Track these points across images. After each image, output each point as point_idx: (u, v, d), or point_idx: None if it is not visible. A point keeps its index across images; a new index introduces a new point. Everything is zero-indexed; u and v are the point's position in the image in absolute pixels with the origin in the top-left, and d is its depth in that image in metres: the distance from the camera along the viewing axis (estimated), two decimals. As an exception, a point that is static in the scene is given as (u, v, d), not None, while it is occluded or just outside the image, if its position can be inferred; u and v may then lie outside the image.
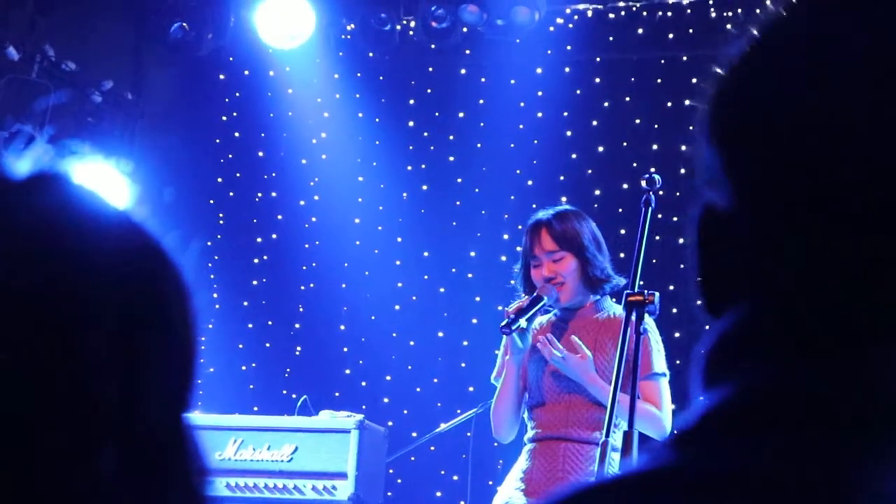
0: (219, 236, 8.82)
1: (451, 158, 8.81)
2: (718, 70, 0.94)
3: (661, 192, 4.59)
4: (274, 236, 9.05)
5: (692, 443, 0.85)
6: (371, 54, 8.86)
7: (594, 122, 8.55)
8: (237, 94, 9.14)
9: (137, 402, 0.90)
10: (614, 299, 5.03)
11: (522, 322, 4.83)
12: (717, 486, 0.81)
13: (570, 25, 8.56)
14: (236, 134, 9.17)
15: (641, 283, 4.34)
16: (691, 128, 8.18)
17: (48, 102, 7.83)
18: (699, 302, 0.95)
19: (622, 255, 5.11)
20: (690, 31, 8.32)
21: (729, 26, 8.21)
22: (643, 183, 4.49)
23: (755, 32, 0.91)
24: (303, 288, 8.91)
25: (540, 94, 8.60)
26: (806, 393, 0.83)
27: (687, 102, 8.28)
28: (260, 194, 9.10)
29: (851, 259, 0.84)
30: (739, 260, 0.89)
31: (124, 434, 0.89)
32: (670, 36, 8.38)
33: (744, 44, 0.91)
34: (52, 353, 0.86)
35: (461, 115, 8.79)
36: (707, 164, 0.93)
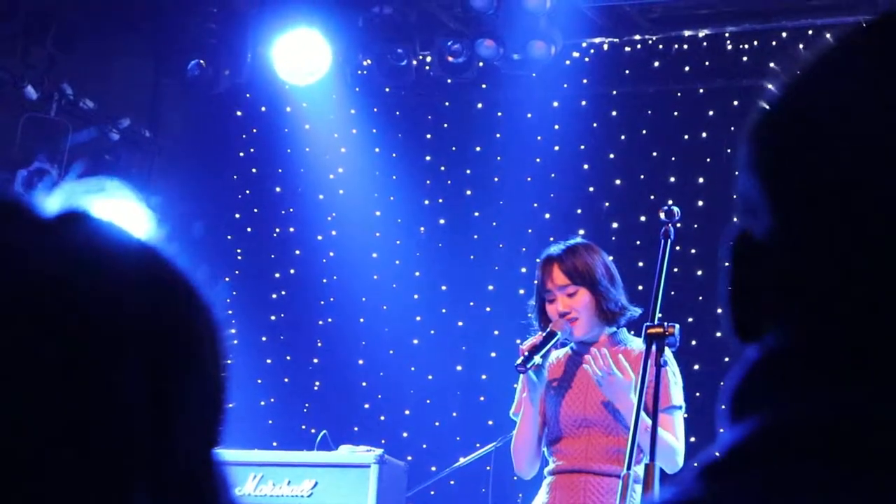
0: (237, 272, 8.84)
1: (469, 192, 8.82)
2: (764, 100, 0.94)
3: (678, 225, 4.59)
4: (292, 271, 9.06)
5: (721, 476, 0.84)
6: (387, 89, 8.88)
7: (611, 156, 8.55)
8: (254, 131, 9.17)
9: (168, 439, 0.90)
10: (632, 332, 5.02)
11: (537, 359, 4.83)
12: None
13: (587, 59, 8.58)
14: (253, 170, 9.20)
15: (660, 315, 4.34)
16: (708, 160, 8.21)
17: (67, 141, 7.87)
18: (724, 331, 0.94)
19: (640, 287, 5.11)
20: (707, 63, 8.32)
21: (745, 59, 8.22)
22: (662, 215, 4.49)
23: (803, 64, 0.92)
24: (321, 323, 8.92)
25: (556, 127, 8.61)
26: (841, 427, 0.82)
27: (704, 135, 8.28)
28: (278, 230, 9.11)
29: (890, 291, 0.83)
30: (774, 287, 0.89)
31: (156, 472, 0.89)
32: (686, 69, 8.39)
33: (792, 74, 0.92)
34: (83, 391, 0.86)
35: (478, 149, 8.81)
36: (746, 191, 0.93)
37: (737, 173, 0.95)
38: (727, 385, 0.90)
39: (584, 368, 4.82)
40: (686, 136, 8.34)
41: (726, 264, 0.94)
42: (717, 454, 0.85)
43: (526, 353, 4.81)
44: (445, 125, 8.94)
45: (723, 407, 0.89)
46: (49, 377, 0.86)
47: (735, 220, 0.96)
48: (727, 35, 8.26)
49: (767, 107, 0.92)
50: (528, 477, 5.07)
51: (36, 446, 0.85)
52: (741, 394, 0.89)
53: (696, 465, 0.86)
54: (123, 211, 1.00)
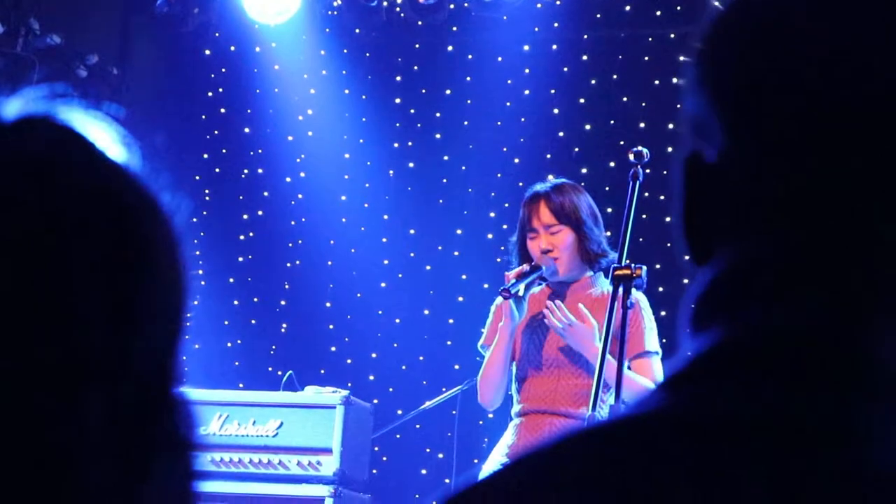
0: (204, 212, 8.79)
1: (438, 136, 8.79)
2: (715, 14, 0.93)
3: (647, 170, 4.59)
4: (260, 213, 9.03)
5: (683, 386, 0.84)
6: (358, 31, 8.83)
7: (581, 100, 8.53)
8: (223, 70, 9.10)
9: (124, 345, 0.88)
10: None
11: (521, 287, 4.82)
12: (709, 428, 0.80)
13: (558, 2, 8.54)
14: (222, 110, 9.14)
15: (628, 259, 4.34)
16: (679, 106, 8.19)
17: (34, 77, 7.79)
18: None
19: (608, 233, 5.11)
20: (678, 7, 8.30)
21: (716, 2, 8.19)
22: (631, 156, 4.49)
23: None
24: (288, 265, 8.90)
25: (527, 71, 8.58)
26: (799, 334, 0.82)
27: (675, 80, 8.27)
28: (246, 171, 9.07)
29: (845, 199, 0.83)
30: (729, 205, 0.88)
31: (110, 378, 0.87)
32: (658, 13, 8.37)
33: None
34: (38, 288, 0.85)
35: (448, 92, 8.77)
36: (696, 111, 0.92)
37: (685, 94, 0.95)
38: (685, 303, 0.90)
39: (578, 306, 4.82)
40: (657, 82, 8.33)
41: (678, 187, 0.94)
42: (678, 366, 0.85)
43: (512, 280, 4.80)
44: (415, 67, 8.90)
45: (683, 320, 0.90)
46: (3, 282, 0.84)
47: (683, 141, 0.95)
48: (699, -20, 8.23)
49: (714, 23, 0.92)
50: (492, 408, 5.07)
51: None
52: (699, 311, 0.89)
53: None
54: (86, 120, 0.98)
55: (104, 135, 0.97)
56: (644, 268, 4.26)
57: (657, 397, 0.84)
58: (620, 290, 4.23)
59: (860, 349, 0.81)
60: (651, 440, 0.80)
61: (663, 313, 7.48)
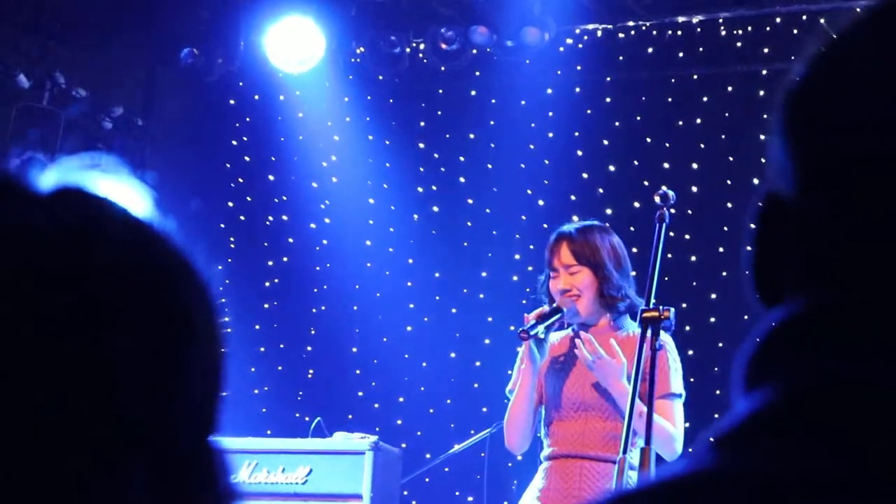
0: (230, 260, 8.82)
1: (462, 180, 8.81)
2: (799, 64, 0.94)
3: (673, 210, 4.58)
4: (285, 259, 9.05)
5: (735, 445, 0.82)
6: (381, 77, 8.87)
7: (605, 142, 8.55)
8: (247, 119, 9.16)
9: (165, 418, 0.89)
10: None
11: (541, 329, 4.81)
12: (761, 491, 0.78)
13: (580, 45, 8.57)
14: (247, 158, 9.18)
15: (655, 300, 4.34)
16: (702, 146, 8.21)
17: (60, 130, 7.85)
18: (718, 315, 0.93)
19: (635, 273, 5.10)
20: (700, 49, 8.32)
21: (739, 45, 8.21)
22: (657, 199, 4.48)
23: (835, 33, 0.91)
24: (314, 311, 8.91)
25: (550, 114, 8.60)
26: (864, 392, 0.80)
27: (698, 121, 8.28)
28: (271, 218, 9.10)
29: None
30: (797, 252, 0.88)
31: (154, 454, 0.88)
32: (680, 55, 8.38)
33: (824, 40, 0.91)
34: (80, 370, 0.85)
35: (471, 136, 8.80)
36: (775, 155, 0.92)
37: (767, 139, 0.95)
38: (743, 352, 0.88)
39: (609, 341, 4.80)
40: (680, 122, 8.34)
41: (752, 226, 0.94)
42: (732, 422, 0.83)
43: (531, 321, 4.79)
44: (439, 112, 8.93)
45: (737, 374, 0.87)
46: (45, 355, 0.85)
47: (763, 182, 0.95)
48: (721, 21, 8.26)
49: (799, 73, 0.92)
50: (519, 452, 5.05)
51: (31, 426, 0.84)
52: (757, 361, 0.87)
53: (710, 435, 0.84)
54: (118, 188, 0.99)
55: (139, 203, 0.98)
56: (672, 310, 4.25)
57: (709, 456, 0.82)
58: (649, 332, 4.22)
59: None
60: (713, 500, 0.78)
61: (690, 352, 7.47)
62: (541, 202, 8.54)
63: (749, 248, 0.93)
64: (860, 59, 0.88)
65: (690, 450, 5.03)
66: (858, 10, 0.93)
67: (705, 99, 8.27)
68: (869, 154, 0.84)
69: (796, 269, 0.88)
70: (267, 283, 9.05)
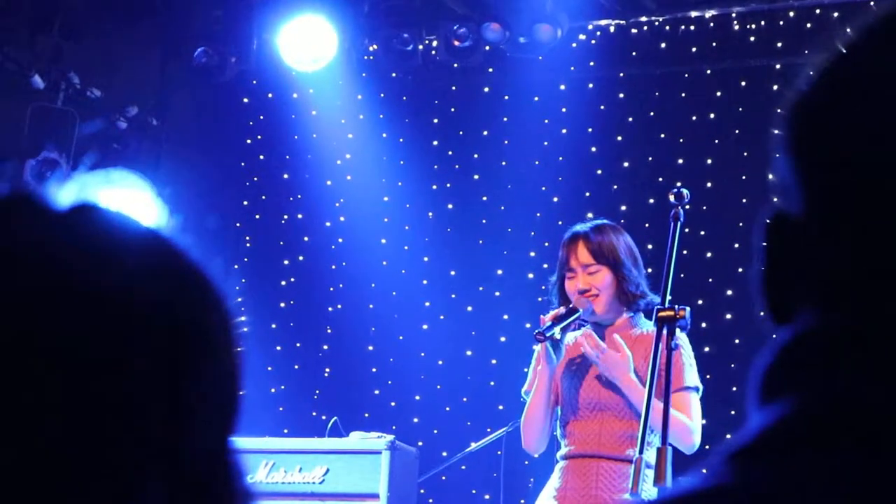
0: (245, 259, 8.84)
1: (476, 177, 8.81)
2: (802, 80, 0.93)
3: (688, 207, 4.58)
4: (301, 258, 9.06)
5: (750, 460, 0.82)
6: (394, 74, 8.88)
7: (619, 138, 8.53)
8: (261, 118, 9.16)
9: (184, 432, 0.90)
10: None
11: (557, 331, 4.81)
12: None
13: (593, 41, 8.56)
14: (261, 157, 9.19)
15: (671, 298, 4.33)
16: (716, 141, 8.19)
17: (75, 130, 7.87)
18: (735, 314, 0.93)
19: (649, 270, 5.10)
20: (714, 44, 8.30)
21: (752, 39, 8.20)
22: (671, 197, 4.48)
23: (839, 47, 0.91)
24: (330, 309, 8.92)
25: (564, 110, 8.59)
26: (875, 411, 0.80)
27: (711, 116, 8.26)
28: (286, 216, 9.11)
29: None
30: (807, 269, 0.88)
31: (172, 465, 0.89)
32: (693, 50, 8.37)
33: (828, 55, 0.91)
34: (96, 383, 0.86)
35: (485, 133, 8.80)
36: (781, 172, 0.92)
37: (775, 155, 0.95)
38: (756, 367, 0.88)
39: (613, 336, 4.81)
40: (694, 118, 8.33)
41: (761, 244, 0.93)
42: (746, 438, 0.83)
43: (547, 323, 4.80)
44: (452, 109, 8.93)
45: (752, 390, 0.87)
46: (63, 371, 0.85)
47: (771, 201, 0.95)
48: (734, 15, 8.24)
49: (802, 89, 0.92)
50: (536, 453, 5.06)
51: (48, 439, 0.85)
52: (771, 377, 0.87)
53: (723, 449, 0.84)
54: (134, 201, 0.99)
55: (155, 215, 0.99)
56: (688, 308, 4.25)
57: (725, 470, 0.82)
58: (665, 330, 4.22)
59: None
60: None
61: (706, 349, 7.46)
62: (555, 199, 8.54)
63: (757, 266, 0.93)
64: (867, 73, 0.88)
65: (706, 446, 5.03)
66: (871, 4, 0.92)
67: (719, 94, 8.25)
68: (877, 171, 0.84)
69: (806, 286, 0.88)
70: (283, 282, 9.06)
